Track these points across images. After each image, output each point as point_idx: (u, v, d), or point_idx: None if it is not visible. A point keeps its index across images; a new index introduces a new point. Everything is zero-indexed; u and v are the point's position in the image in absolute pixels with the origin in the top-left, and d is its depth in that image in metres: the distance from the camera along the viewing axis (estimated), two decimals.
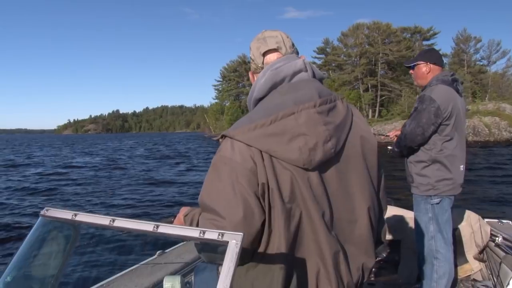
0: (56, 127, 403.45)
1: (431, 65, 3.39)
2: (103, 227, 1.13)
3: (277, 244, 1.36)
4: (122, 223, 1.11)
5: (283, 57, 1.58)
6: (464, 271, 3.85)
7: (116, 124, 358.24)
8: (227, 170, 1.36)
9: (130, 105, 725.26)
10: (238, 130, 1.38)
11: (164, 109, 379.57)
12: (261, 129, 1.36)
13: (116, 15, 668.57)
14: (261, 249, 1.38)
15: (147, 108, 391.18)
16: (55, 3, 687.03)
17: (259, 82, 1.53)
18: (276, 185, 1.34)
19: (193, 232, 1.07)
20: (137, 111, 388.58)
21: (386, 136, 3.95)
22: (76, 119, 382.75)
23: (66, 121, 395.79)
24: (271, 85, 1.49)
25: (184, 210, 1.62)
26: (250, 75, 1.71)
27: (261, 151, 1.35)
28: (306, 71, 1.54)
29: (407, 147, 3.30)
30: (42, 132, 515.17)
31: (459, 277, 3.75)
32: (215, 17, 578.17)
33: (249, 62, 1.75)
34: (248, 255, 1.39)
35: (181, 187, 17.69)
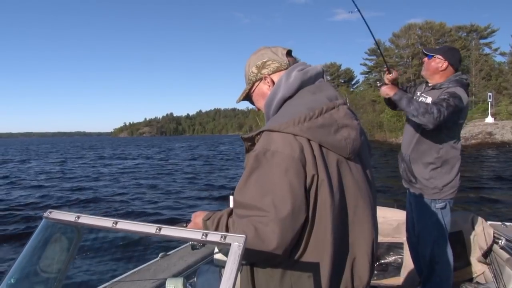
0: (112, 130, 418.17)
1: (448, 65, 3.19)
2: (106, 229, 1.13)
3: (323, 237, 1.34)
4: (124, 225, 1.11)
5: (300, 62, 1.62)
6: (467, 273, 3.81)
7: (170, 127, 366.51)
8: (273, 163, 1.31)
9: (184, 108, 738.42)
10: (284, 124, 1.35)
11: (217, 111, 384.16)
12: (310, 121, 1.36)
13: (165, 19, 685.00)
14: (303, 245, 1.35)
15: (200, 111, 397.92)
16: (114, 6, 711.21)
17: (285, 82, 1.52)
18: (326, 176, 1.33)
19: (195, 234, 1.05)
20: (190, 114, 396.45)
21: (383, 84, 3.35)
22: (131, 122, 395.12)
23: (121, 124, 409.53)
24: (300, 84, 1.51)
25: (200, 214, 1.54)
26: (259, 83, 1.64)
27: (310, 143, 1.34)
28: (323, 76, 1.61)
29: (427, 112, 2.86)
30: (99, 134, 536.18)
31: (462, 280, 3.74)
32: (266, 20, 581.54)
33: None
34: (285, 254, 1.31)
35: None
